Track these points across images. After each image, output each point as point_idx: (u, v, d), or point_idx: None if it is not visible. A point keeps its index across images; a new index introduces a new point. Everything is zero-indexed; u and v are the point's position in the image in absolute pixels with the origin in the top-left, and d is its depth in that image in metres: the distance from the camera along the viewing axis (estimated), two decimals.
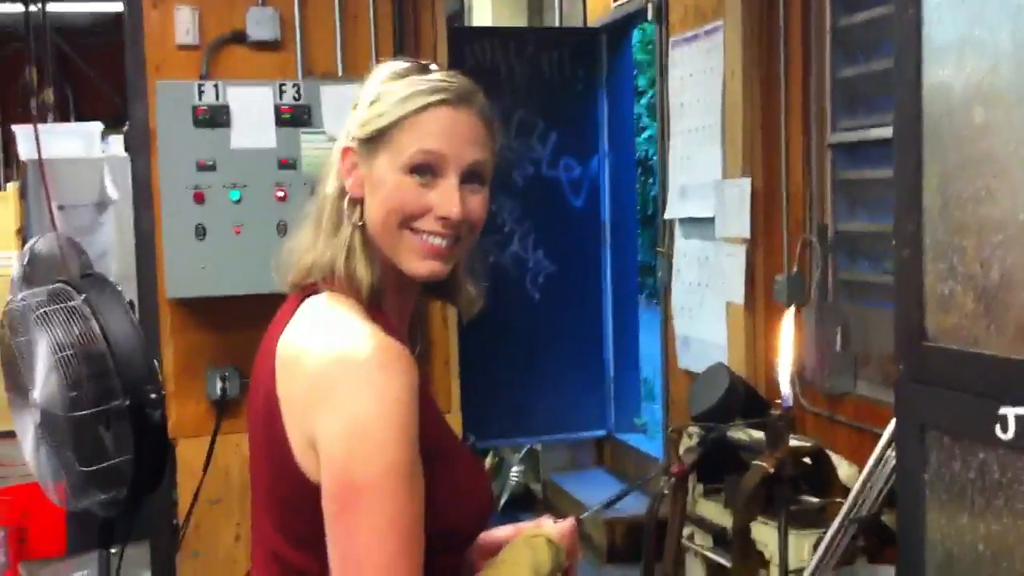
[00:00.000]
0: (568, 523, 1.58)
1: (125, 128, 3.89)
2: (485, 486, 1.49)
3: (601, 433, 6.20)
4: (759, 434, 3.13)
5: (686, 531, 4.17)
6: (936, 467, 1.31)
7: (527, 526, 1.55)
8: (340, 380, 1.26)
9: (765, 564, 3.30)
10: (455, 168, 1.35)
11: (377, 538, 1.23)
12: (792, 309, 2.71)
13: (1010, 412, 1.19)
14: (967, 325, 1.23)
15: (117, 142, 5.10)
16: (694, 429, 3.68)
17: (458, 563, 1.45)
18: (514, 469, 6.09)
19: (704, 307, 4.55)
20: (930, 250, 1.26)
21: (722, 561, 3.69)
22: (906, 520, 1.37)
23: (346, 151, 1.40)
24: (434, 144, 1.34)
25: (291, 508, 1.34)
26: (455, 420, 3.79)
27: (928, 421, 1.30)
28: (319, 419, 1.26)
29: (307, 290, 1.41)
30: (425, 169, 1.35)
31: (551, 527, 1.54)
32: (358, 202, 1.39)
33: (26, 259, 3.12)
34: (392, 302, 1.42)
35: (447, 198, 1.35)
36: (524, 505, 6.03)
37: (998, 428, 1.21)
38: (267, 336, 1.40)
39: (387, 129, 1.36)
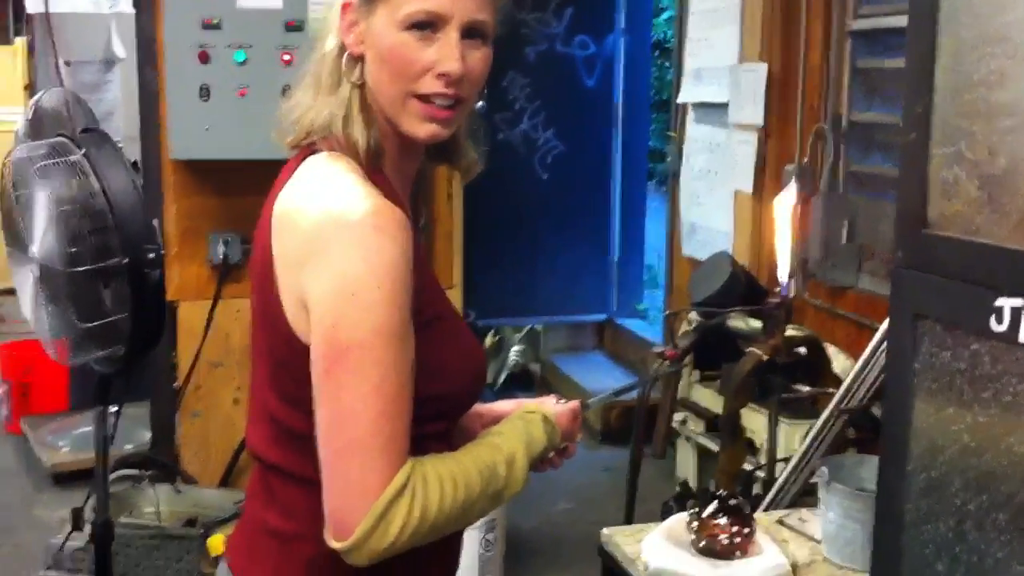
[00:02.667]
0: (571, 405, 1.58)
1: None
2: (478, 354, 1.49)
3: (602, 317, 6.23)
4: (758, 323, 3.13)
5: (679, 416, 4.22)
6: (927, 356, 1.30)
7: (530, 402, 1.55)
8: (332, 239, 1.24)
9: (756, 451, 3.34)
10: (456, 22, 1.31)
11: (362, 399, 1.23)
12: (787, 197, 2.67)
13: (1006, 303, 1.17)
14: (969, 213, 1.21)
15: None
16: (693, 315, 3.69)
17: (448, 429, 1.45)
18: (514, 348, 6.14)
19: (712, 194, 4.52)
20: (937, 133, 1.23)
21: (712, 447, 3.74)
22: (893, 407, 1.37)
23: (345, 7, 1.35)
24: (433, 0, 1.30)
25: (282, 366, 1.34)
26: (456, 296, 3.79)
27: (922, 309, 1.29)
28: (310, 278, 1.25)
29: (307, 150, 1.38)
30: (424, 24, 1.30)
31: (551, 406, 1.54)
32: (358, 60, 1.36)
33: (31, 114, 3.08)
34: (393, 164, 1.40)
35: (447, 53, 1.31)
36: (522, 384, 6.10)
37: (992, 319, 1.19)
38: (268, 197, 1.38)
39: None
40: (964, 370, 1.24)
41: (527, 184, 5.75)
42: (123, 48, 4.85)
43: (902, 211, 1.28)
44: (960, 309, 1.23)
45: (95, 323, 2.48)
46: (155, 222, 2.55)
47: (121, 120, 4.80)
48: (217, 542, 3.08)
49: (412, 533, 1.25)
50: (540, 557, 3.94)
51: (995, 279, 1.17)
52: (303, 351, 1.28)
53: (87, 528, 2.76)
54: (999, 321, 1.16)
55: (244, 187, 3.39)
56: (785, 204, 2.50)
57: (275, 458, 1.39)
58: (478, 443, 1.41)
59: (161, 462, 3.58)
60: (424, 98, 1.33)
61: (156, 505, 3.36)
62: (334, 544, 1.25)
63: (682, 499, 3.45)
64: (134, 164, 3.33)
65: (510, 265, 5.83)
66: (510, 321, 6.08)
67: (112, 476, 3.17)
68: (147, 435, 3.91)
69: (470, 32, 1.33)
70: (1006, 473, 1.22)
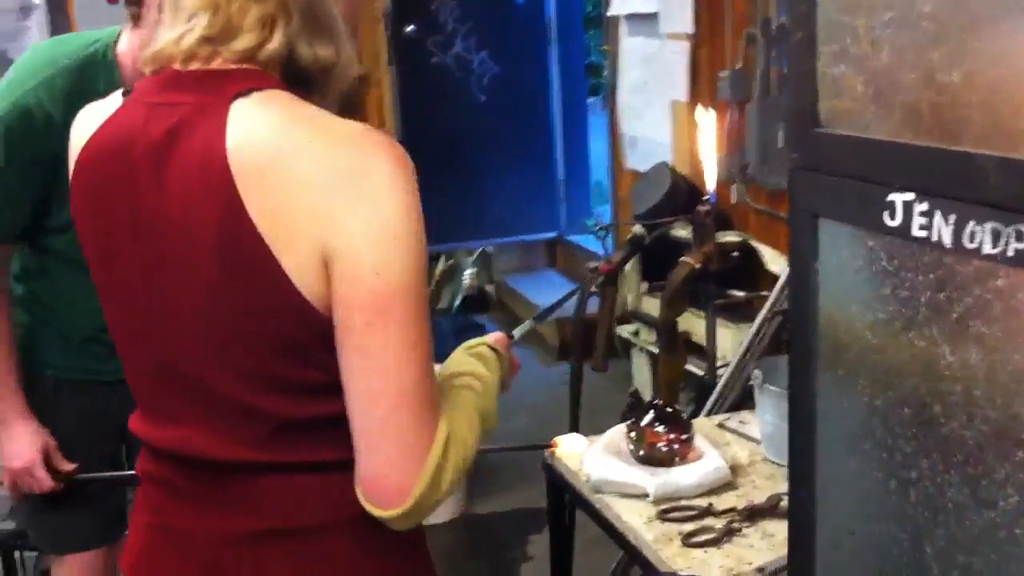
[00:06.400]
0: (500, 334, 1.54)
1: None
2: None
3: (552, 235, 6.24)
4: None
5: (632, 328, 4.25)
6: (826, 255, 1.31)
7: (468, 344, 1.47)
8: (366, 181, 1.10)
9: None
10: None
11: (409, 350, 1.13)
12: (704, 108, 2.66)
13: (898, 198, 1.17)
14: (858, 109, 1.20)
15: None
16: (638, 228, 3.69)
17: None
18: (467, 271, 6.15)
19: (649, 106, 4.49)
20: (822, 31, 1.22)
21: None
22: (798, 309, 1.37)
23: None
24: None
25: (288, 351, 1.16)
26: None
27: (820, 209, 1.29)
28: (339, 226, 1.10)
29: (214, 83, 1.17)
30: None
31: (484, 339, 1.48)
32: None
33: None
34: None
35: None
36: (478, 307, 6.11)
37: (886, 215, 1.19)
38: (176, 145, 1.15)
39: None
40: (862, 267, 1.24)
41: (466, 107, 5.69)
42: None
43: (794, 111, 1.27)
44: (855, 207, 1.22)
45: None
46: None
47: None
48: None
49: (456, 483, 1.19)
50: (501, 473, 3.99)
51: (886, 174, 1.16)
52: (320, 322, 1.13)
53: None
54: (892, 216, 1.16)
55: None
56: (707, 114, 2.48)
57: (271, 455, 1.21)
58: (459, 384, 1.34)
59: None
60: None
61: None
62: (384, 513, 1.16)
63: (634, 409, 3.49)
64: None
65: (456, 189, 5.80)
66: (461, 245, 6.08)
67: None
68: None
69: None
70: (907, 368, 1.23)
